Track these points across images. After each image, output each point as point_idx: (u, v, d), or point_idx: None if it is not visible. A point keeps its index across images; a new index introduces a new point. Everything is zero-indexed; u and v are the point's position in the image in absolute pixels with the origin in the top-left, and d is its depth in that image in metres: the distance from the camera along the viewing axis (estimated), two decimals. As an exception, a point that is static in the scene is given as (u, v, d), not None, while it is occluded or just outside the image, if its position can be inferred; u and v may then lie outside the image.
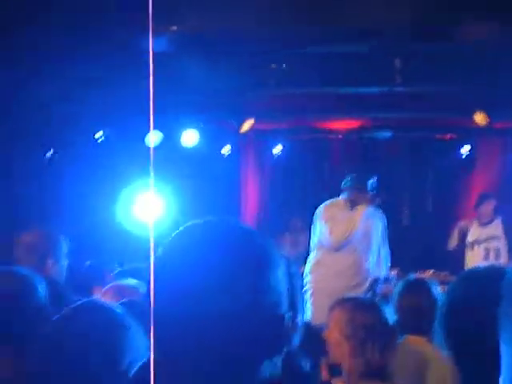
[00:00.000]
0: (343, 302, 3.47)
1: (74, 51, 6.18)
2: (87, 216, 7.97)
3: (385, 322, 3.39)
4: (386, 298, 7.24)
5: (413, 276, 4.31)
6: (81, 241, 4.36)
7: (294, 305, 2.26)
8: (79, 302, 2.14)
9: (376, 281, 6.94)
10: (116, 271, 4.58)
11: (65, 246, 4.33)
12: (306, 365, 1.66)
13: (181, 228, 1.41)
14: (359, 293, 6.45)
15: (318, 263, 6.70)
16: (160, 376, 1.26)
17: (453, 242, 8.62)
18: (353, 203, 6.70)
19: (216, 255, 1.33)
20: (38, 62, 6.42)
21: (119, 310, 2.09)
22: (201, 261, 1.32)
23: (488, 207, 8.36)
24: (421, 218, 10.09)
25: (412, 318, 3.91)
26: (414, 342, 3.89)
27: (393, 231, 8.58)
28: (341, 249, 6.58)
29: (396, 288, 4.32)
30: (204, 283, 1.29)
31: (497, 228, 8.23)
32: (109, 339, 1.96)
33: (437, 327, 1.84)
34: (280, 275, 1.40)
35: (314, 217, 6.81)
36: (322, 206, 6.84)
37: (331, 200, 6.92)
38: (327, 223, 6.61)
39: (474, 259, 8.12)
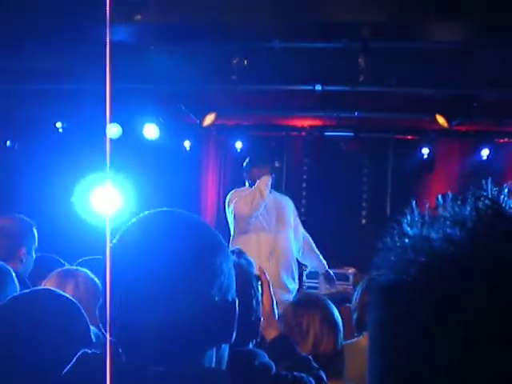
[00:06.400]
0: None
1: (34, 41, 6.09)
2: (45, 207, 7.89)
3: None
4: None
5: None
6: (38, 231, 4.26)
7: (257, 299, 2.27)
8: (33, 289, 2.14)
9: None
10: (76, 263, 4.47)
11: (36, 237, 4.19)
12: (269, 365, 1.64)
13: (134, 219, 1.46)
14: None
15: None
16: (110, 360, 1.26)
17: None
18: (254, 180, 6.56)
19: (167, 243, 1.38)
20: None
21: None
22: (152, 248, 1.37)
23: None
24: (379, 218, 10.12)
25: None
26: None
27: (351, 231, 8.61)
28: (254, 219, 6.44)
29: (358, 286, 4.29)
30: (154, 269, 1.33)
31: None
32: (65, 325, 1.96)
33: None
34: (229, 264, 1.44)
35: (226, 206, 6.70)
36: (228, 194, 6.77)
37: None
38: (234, 202, 6.50)
39: None
